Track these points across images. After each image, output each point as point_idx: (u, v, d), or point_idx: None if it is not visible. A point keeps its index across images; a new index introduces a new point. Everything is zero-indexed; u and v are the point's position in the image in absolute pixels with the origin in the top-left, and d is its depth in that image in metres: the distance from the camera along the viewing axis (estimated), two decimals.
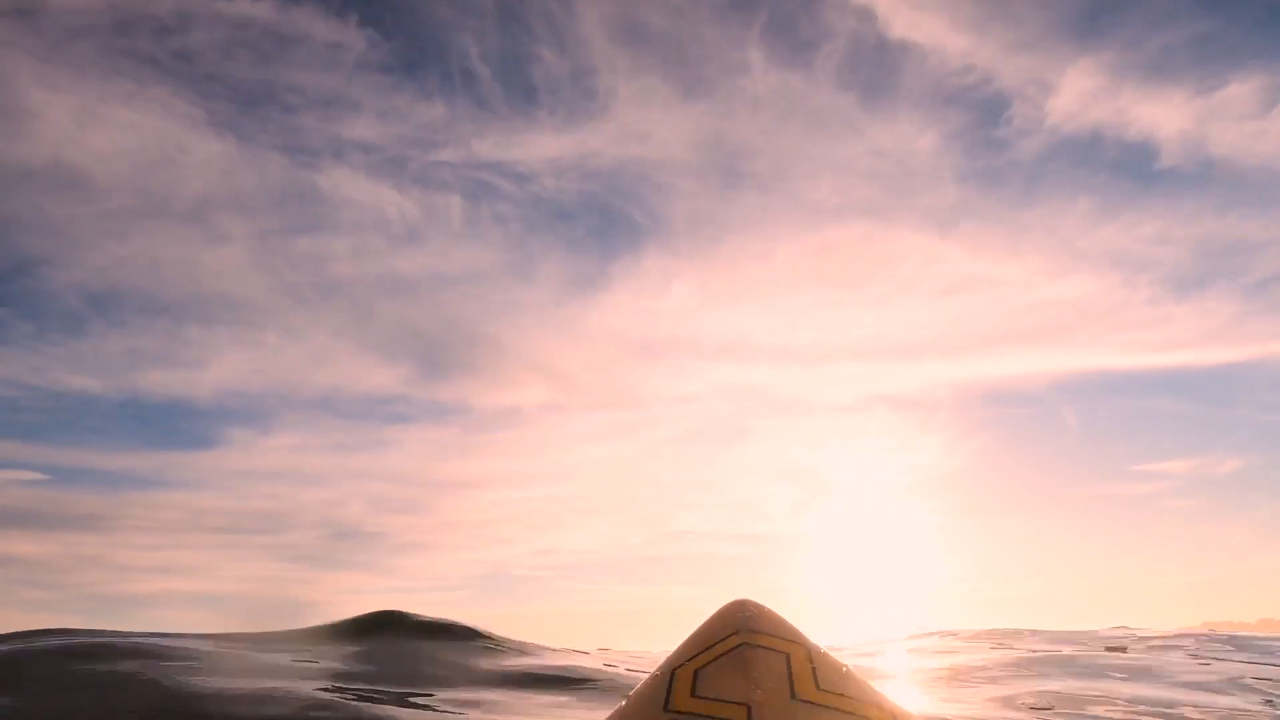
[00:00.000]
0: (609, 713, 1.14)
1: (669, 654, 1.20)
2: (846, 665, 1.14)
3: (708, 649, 1.17)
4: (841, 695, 1.06)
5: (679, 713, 1.04)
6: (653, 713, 1.06)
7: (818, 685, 1.08)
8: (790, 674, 1.10)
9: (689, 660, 1.16)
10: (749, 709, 1.03)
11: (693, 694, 1.08)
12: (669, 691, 1.09)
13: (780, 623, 1.23)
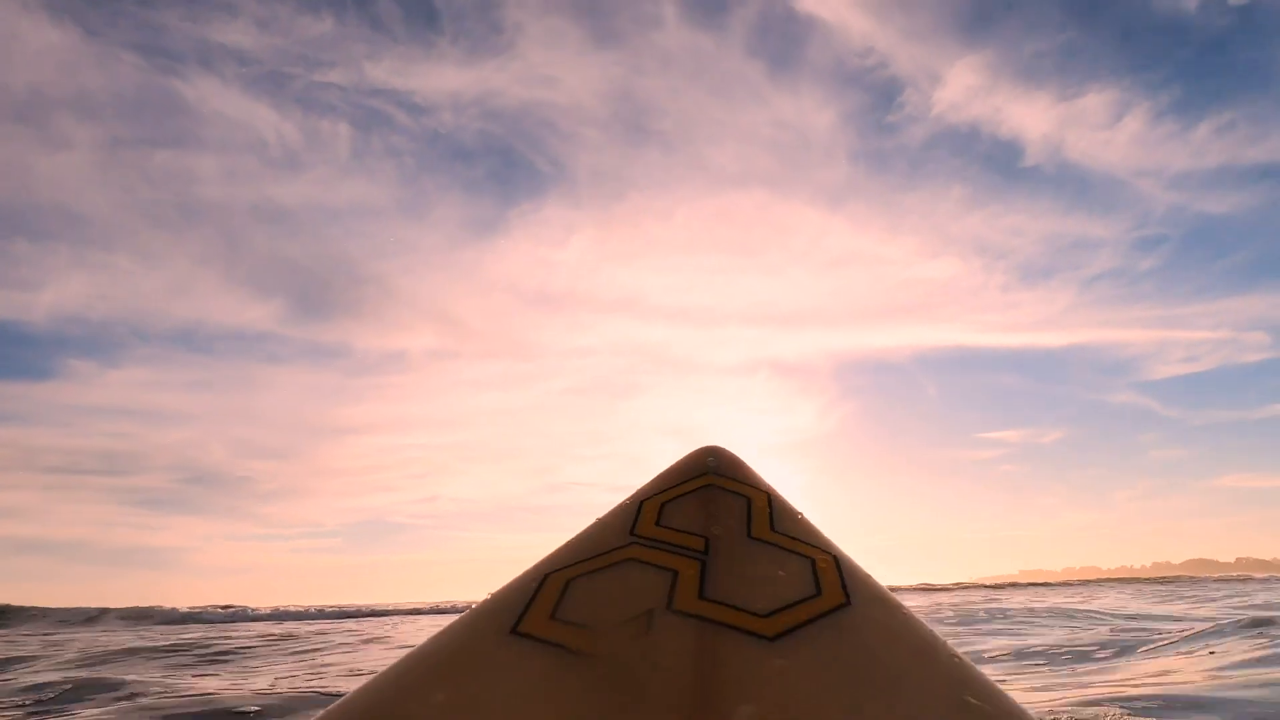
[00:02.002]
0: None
1: (636, 489, 1.28)
2: (801, 514, 1.22)
3: (676, 485, 1.25)
4: (793, 538, 1.14)
5: (643, 537, 1.12)
6: (619, 535, 1.13)
7: (772, 526, 1.16)
8: (749, 514, 1.18)
9: (657, 494, 1.23)
10: (707, 540, 1.11)
11: (656, 523, 1.15)
12: (636, 518, 1.17)
13: (745, 469, 1.30)
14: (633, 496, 1.24)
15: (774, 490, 1.25)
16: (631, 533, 1.14)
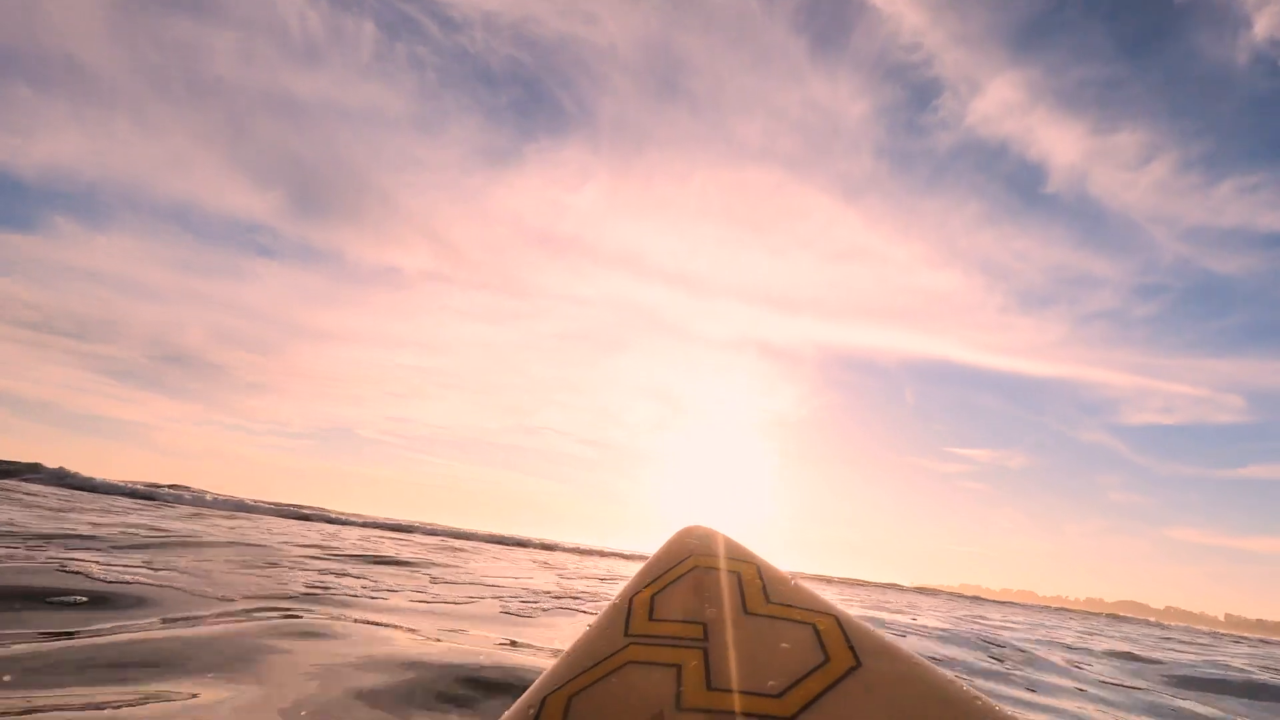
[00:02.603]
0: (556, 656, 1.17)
1: (623, 585, 1.24)
2: (793, 578, 1.20)
3: (662, 575, 1.21)
4: (790, 606, 1.12)
5: (639, 635, 1.08)
6: (615, 638, 1.09)
7: (767, 598, 1.14)
8: (742, 590, 1.15)
9: (645, 587, 1.19)
10: (705, 626, 1.08)
11: (650, 618, 1.12)
12: (628, 617, 1.13)
13: (730, 544, 1.28)
14: (621, 594, 1.19)
15: (762, 560, 1.23)
16: (626, 633, 1.09)
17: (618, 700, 0.97)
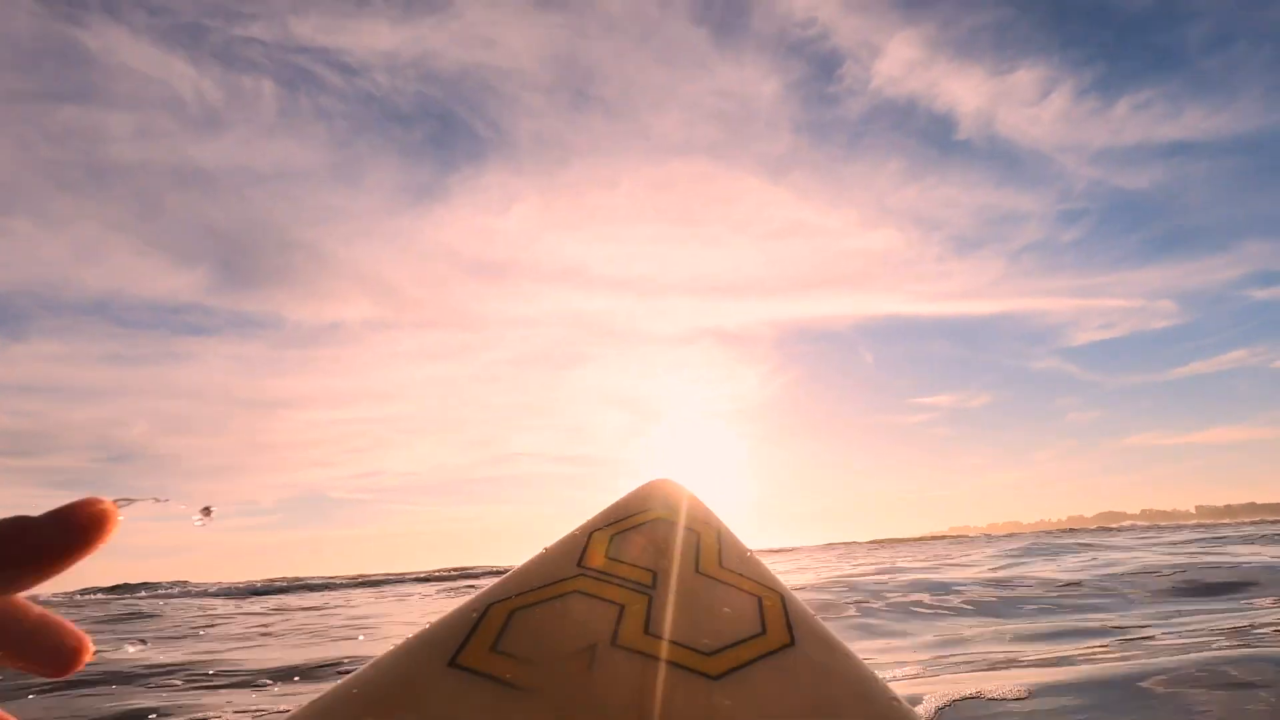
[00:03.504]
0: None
1: (585, 520, 1.27)
2: (750, 550, 1.23)
3: (625, 519, 1.24)
4: (740, 575, 1.14)
5: (590, 569, 1.11)
6: (566, 566, 1.12)
7: (720, 563, 1.16)
8: (698, 550, 1.18)
9: (606, 526, 1.22)
10: (655, 574, 1.10)
11: (605, 556, 1.14)
12: (584, 550, 1.15)
13: (696, 504, 1.30)
14: (581, 528, 1.22)
15: (724, 526, 1.25)
16: (579, 564, 1.12)
17: (557, 624, 1.01)
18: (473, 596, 1.12)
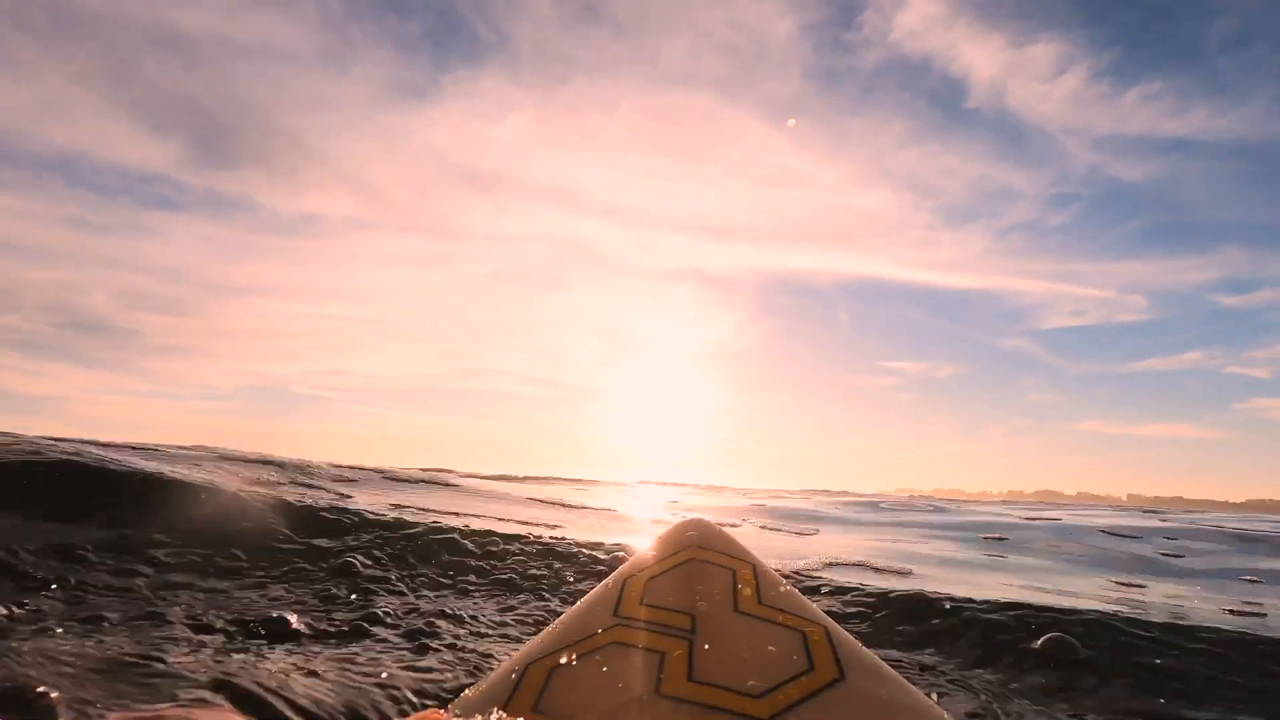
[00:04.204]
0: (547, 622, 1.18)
1: (619, 567, 1.25)
2: (787, 583, 1.20)
3: (658, 562, 1.22)
4: (780, 610, 1.12)
5: (628, 618, 1.09)
6: (603, 617, 1.10)
7: (759, 599, 1.14)
8: (735, 588, 1.15)
9: (640, 571, 1.20)
10: (694, 618, 1.08)
11: (641, 603, 1.12)
12: (619, 599, 1.13)
13: (729, 541, 1.28)
14: (615, 575, 1.20)
15: (759, 561, 1.23)
16: (615, 613, 1.10)
17: (598, 678, 0.98)
18: (510, 658, 1.10)
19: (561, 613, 1.23)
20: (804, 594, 1.22)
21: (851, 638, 1.09)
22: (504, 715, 0.93)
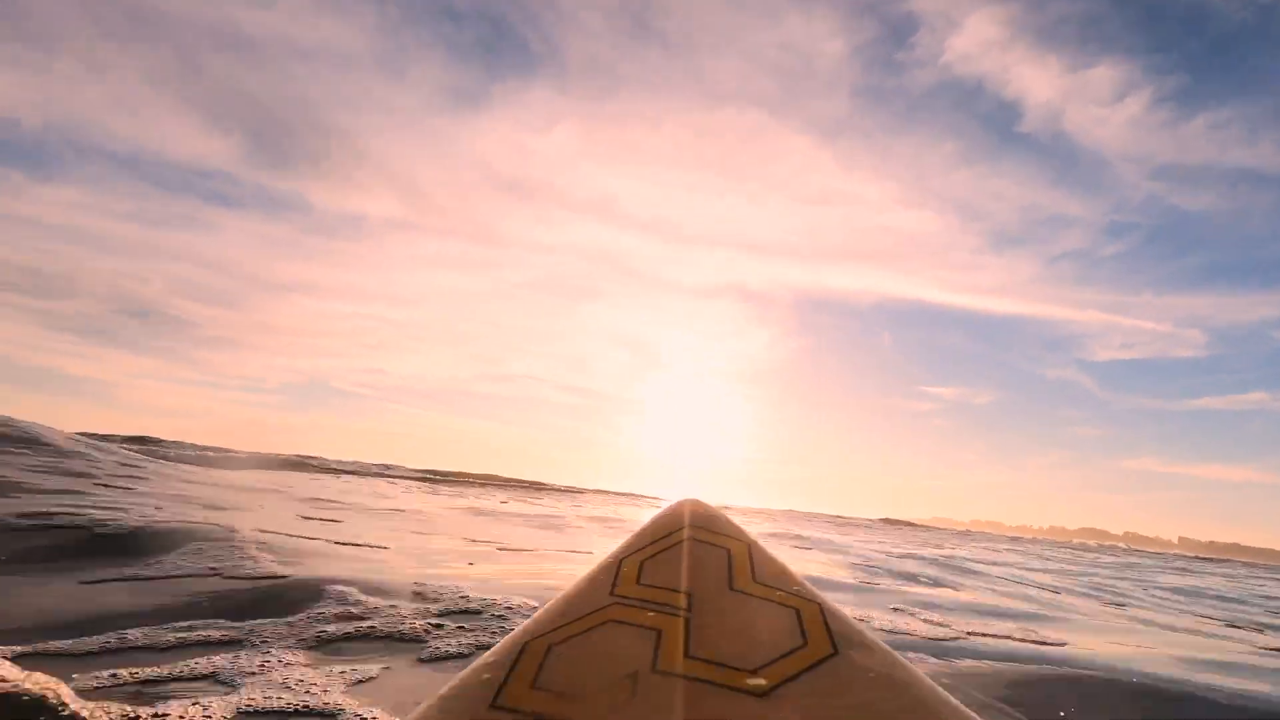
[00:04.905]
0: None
1: (615, 547, 1.26)
2: (783, 563, 1.21)
3: (654, 542, 1.23)
4: (775, 588, 1.13)
5: (624, 597, 1.10)
6: (600, 596, 1.11)
7: (754, 577, 1.15)
8: (730, 566, 1.17)
9: (636, 551, 1.21)
10: (689, 596, 1.09)
11: (638, 581, 1.13)
12: (615, 578, 1.14)
13: (724, 521, 1.29)
14: (612, 555, 1.21)
15: (754, 540, 1.24)
16: (612, 593, 1.11)
17: (595, 655, 1.00)
18: (508, 636, 1.11)
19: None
20: None
21: (845, 614, 1.10)
22: (504, 690, 0.94)
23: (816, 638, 1.02)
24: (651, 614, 1.06)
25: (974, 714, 0.96)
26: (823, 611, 1.08)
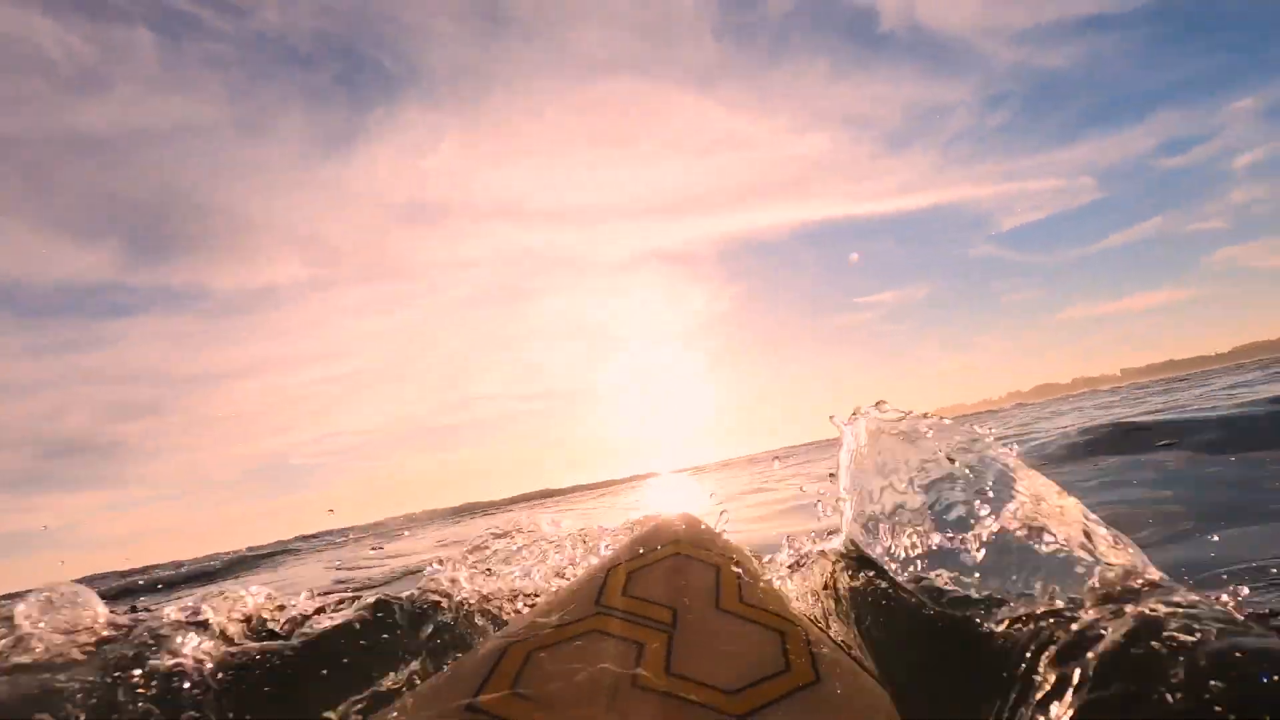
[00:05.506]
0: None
1: (603, 557, 1.26)
2: (771, 583, 1.21)
3: (642, 555, 1.23)
4: (762, 610, 1.13)
5: (609, 608, 1.10)
6: (585, 606, 1.11)
7: (741, 598, 1.15)
8: (718, 585, 1.16)
9: (624, 563, 1.21)
10: (675, 612, 1.09)
11: (624, 593, 1.13)
12: (602, 588, 1.14)
13: (714, 538, 1.29)
14: (599, 564, 1.21)
15: (746, 558, 1.24)
16: (597, 603, 1.11)
17: (576, 664, 0.99)
18: (490, 638, 1.11)
19: None
20: None
21: (831, 641, 1.09)
22: (481, 692, 0.94)
23: (799, 664, 1.01)
24: (635, 627, 1.05)
25: None
26: (807, 638, 1.07)
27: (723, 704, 0.93)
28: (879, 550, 1.24)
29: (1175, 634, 0.69)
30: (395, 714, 0.95)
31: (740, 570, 1.20)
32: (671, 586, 1.15)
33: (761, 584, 1.19)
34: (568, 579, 1.56)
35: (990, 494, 1.10)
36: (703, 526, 1.31)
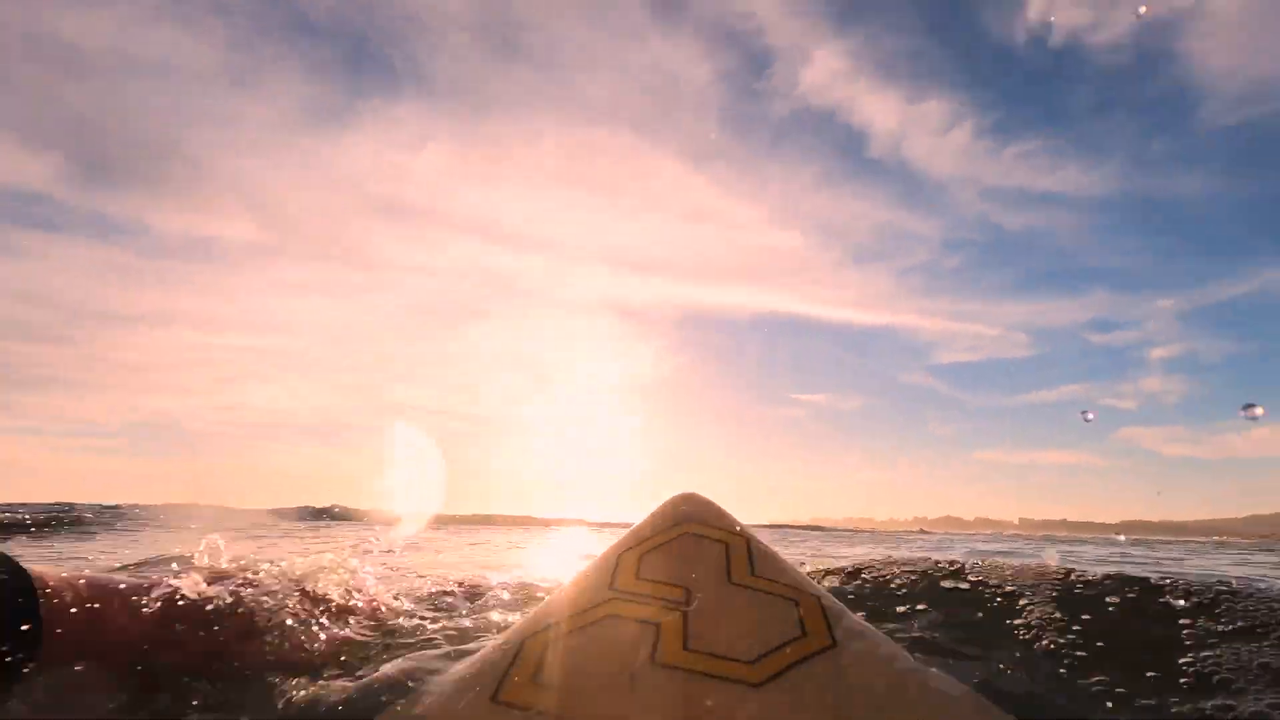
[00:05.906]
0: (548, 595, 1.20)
1: (614, 542, 1.26)
2: (780, 555, 1.22)
3: (652, 537, 1.23)
4: (772, 580, 1.14)
5: (623, 591, 1.10)
6: (599, 591, 1.11)
7: (752, 570, 1.15)
8: (728, 560, 1.17)
9: (634, 546, 1.21)
10: (687, 590, 1.10)
11: (636, 576, 1.14)
12: (614, 573, 1.15)
13: (721, 514, 1.29)
14: (610, 549, 1.22)
15: (752, 533, 1.25)
16: (611, 587, 1.12)
17: (595, 649, 1.00)
18: (506, 632, 1.12)
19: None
20: None
21: (844, 607, 1.11)
22: (504, 684, 0.95)
23: (815, 629, 1.02)
24: (650, 608, 1.06)
25: (987, 701, 0.96)
26: (821, 604, 1.08)
27: (743, 674, 0.93)
28: None
29: None
30: (416, 710, 0.95)
31: (749, 544, 1.21)
32: (682, 565, 1.15)
33: (770, 557, 1.20)
34: None
35: None
36: (708, 504, 1.32)
